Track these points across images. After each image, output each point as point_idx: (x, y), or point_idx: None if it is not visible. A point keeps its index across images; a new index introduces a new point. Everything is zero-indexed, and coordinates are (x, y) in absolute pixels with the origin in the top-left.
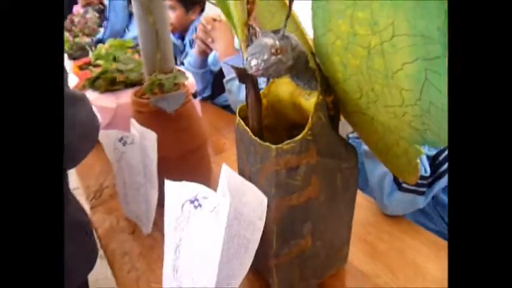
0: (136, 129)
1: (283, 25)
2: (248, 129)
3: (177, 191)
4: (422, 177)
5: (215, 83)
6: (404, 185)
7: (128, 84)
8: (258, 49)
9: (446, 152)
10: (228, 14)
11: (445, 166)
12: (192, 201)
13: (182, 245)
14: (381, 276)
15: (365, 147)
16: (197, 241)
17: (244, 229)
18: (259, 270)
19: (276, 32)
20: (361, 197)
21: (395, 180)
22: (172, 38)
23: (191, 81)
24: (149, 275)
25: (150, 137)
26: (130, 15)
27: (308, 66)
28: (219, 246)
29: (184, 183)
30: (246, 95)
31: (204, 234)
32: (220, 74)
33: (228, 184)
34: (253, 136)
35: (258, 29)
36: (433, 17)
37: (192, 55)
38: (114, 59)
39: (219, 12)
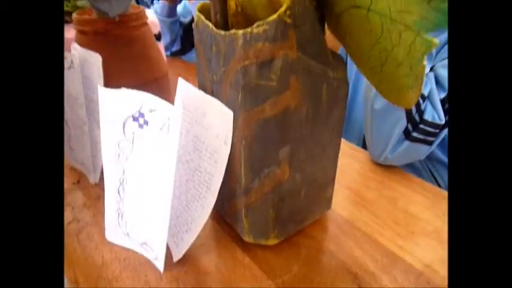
0: (78, 51)
1: None
2: (208, 23)
3: (115, 103)
4: (435, 126)
5: (185, 36)
6: (414, 134)
7: None
8: None
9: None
10: None
11: None
12: (136, 118)
13: (126, 180)
14: (369, 224)
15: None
16: (145, 173)
17: (206, 161)
18: (223, 215)
19: None
20: (343, 144)
21: (406, 129)
22: None
23: (153, 20)
24: (92, 228)
25: (94, 60)
26: None
27: None
28: (171, 175)
29: (124, 90)
30: None
31: (154, 162)
32: (190, 26)
33: (185, 103)
34: (214, 29)
35: None
36: None
37: (159, 2)
38: None
39: None
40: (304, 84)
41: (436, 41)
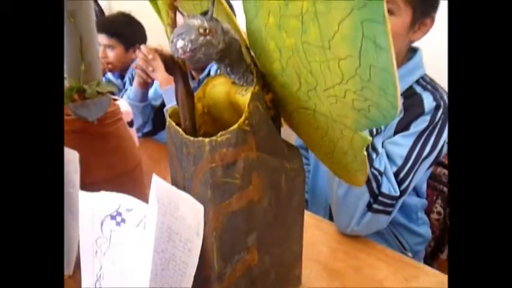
0: None
1: (210, 4)
2: (179, 128)
3: (94, 204)
4: (391, 197)
5: (156, 118)
6: (374, 206)
7: None
8: (185, 29)
9: (406, 169)
10: (153, 3)
11: (406, 183)
12: (113, 217)
13: (103, 275)
14: None
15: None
16: (122, 267)
17: (180, 250)
18: None
19: (204, 13)
20: (307, 216)
21: (368, 202)
22: (112, 77)
23: (127, 110)
24: None
25: (72, 158)
26: None
27: (242, 56)
28: (148, 269)
29: (102, 193)
30: (176, 89)
31: (130, 257)
32: (161, 109)
33: (159, 197)
34: (184, 134)
35: (185, 13)
36: None
37: (131, 88)
38: None
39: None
40: (265, 179)
41: (369, 138)
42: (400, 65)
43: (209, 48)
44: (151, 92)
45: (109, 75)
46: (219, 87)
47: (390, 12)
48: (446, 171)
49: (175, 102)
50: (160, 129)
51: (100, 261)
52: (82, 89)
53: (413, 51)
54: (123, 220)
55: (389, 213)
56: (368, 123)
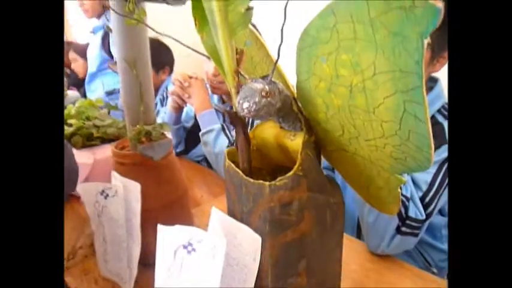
0: (119, 180)
1: (271, 71)
2: (239, 170)
3: (170, 235)
4: (418, 221)
5: (188, 138)
6: (403, 229)
7: (105, 140)
8: (249, 93)
9: (431, 194)
10: (219, 63)
11: (432, 207)
12: (185, 246)
13: None
14: None
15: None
16: None
17: (238, 274)
18: None
19: (264, 77)
20: None
21: (397, 226)
22: None
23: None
24: None
25: (134, 189)
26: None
27: (292, 108)
28: None
29: (177, 227)
30: (236, 137)
31: (199, 280)
32: (192, 130)
33: (220, 226)
34: (244, 176)
35: (247, 76)
36: (412, 53)
37: (166, 112)
38: (87, 118)
39: (191, 71)
40: (314, 214)
41: (404, 179)
42: None
43: (269, 108)
44: (183, 114)
45: None
46: (268, 130)
47: None
48: None
49: (209, 126)
50: (192, 148)
51: (172, 283)
52: (149, 132)
53: (433, 81)
54: (193, 249)
55: (416, 235)
56: (404, 169)
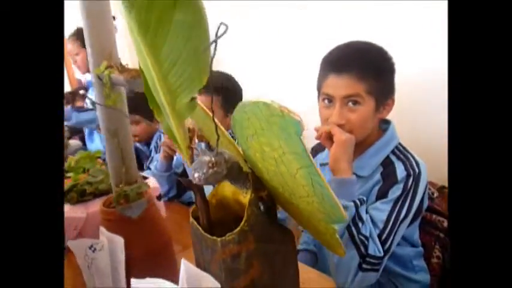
0: (105, 235)
1: (216, 145)
2: (199, 227)
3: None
4: (377, 257)
5: (179, 183)
6: (364, 266)
7: (97, 194)
8: (199, 165)
9: (387, 231)
10: (175, 141)
11: (389, 243)
12: None
13: None
14: None
15: None
16: None
17: None
18: None
19: (212, 150)
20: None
21: (359, 263)
22: (139, 145)
23: (155, 186)
24: None
25: (118, 242)
26: None
27: (241, 171)
28: None
29: (148, 279)
30: (195, 199)
31: None
32: (183, 175)
33: (187, 276)
34: (203, 232)
35: (199, 149)
36: (297, 143)
37: (158, 160)
38: (83, 171)
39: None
40: (263, 261)
41: (336, 228)
42: (375, 139)
43: (216, 176)
44: (174, 160)
45: (137, 144)
46: (227, 188)
47: (357, 102)
48: (440, 218)
49: None
50: (183, 192)
51: None
52: (127, 194)
53: (386, 123)
54: None
55: (377, 270)
56: (331, 220)
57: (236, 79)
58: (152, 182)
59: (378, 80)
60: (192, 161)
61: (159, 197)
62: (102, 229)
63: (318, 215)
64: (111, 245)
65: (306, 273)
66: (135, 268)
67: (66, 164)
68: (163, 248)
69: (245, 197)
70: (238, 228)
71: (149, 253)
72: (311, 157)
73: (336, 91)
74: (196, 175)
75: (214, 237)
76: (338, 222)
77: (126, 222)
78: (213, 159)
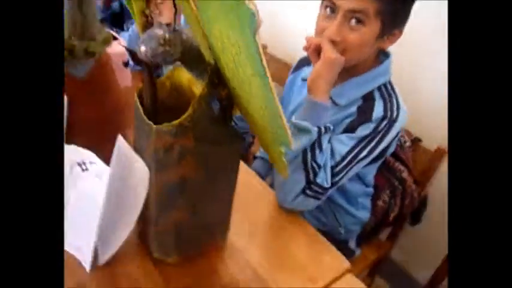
0: None
1: (172, 19)
2: (140, 107)
3: (69, 153)
4: (322, 188)
5: None
6: (307, 192)
7: None
8: (148, 38)
9: (341, 166)
10: (129, 2)
11: (338, 177)
12: (80, 164)
13: (70, 203)
14: (254, 255)
15: None
16: (83, 201)
17: (130, 198)
18: (142, 237)
19: (169, 24)
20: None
21: (303, 187)
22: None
23: (121, 51)
24: None
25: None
26: None
27: (201, 59)
28: (100, 205)
29: (76, 147)
30: (143, 78)
31: (90, 195)
32: None
33: (121, 154)
34: (142, 114)
35: (156, 19)
36: (246, 33)
37: (133, 30)
38: None
39: None
40: (198, 161)
41: (283, 149)
42: (366, 69)
43: (166, 56)
44: None
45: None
46: (184, 73)
47: (361, 21)
48: (402, 167)
49: None
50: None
51: (68, 193)
52: (72, 50)
53: (384, 55)
54: (86, 169)
55: (318, 199)
56: (278, 142)
57: None
58: (119, 44)
59: (394, 2)
60: (144, 30)
61: (126, 64)
62: None
63: (268, 132)
64: None
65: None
66: (81, 131)
67: None
68: (113, 114)
69: (198, 88)
70: (177, 121)
71: (96, 118)
72: (265, 65)
73: (342, 0)
74: (142, 48)
75: (151, 123)
76: (285, 147)
77: (72, 80)
78: (166, 35)
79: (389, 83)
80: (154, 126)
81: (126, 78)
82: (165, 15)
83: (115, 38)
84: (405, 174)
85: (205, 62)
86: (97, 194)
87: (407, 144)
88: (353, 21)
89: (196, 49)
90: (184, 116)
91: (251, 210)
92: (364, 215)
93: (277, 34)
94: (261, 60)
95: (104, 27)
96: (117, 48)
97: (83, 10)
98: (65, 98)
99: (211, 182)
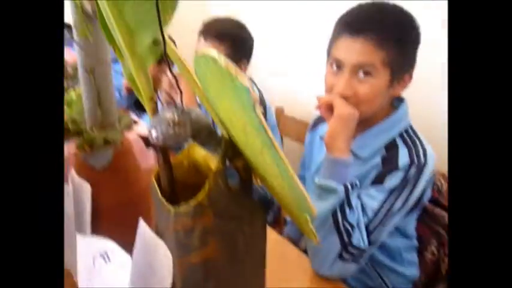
0: (73, 180)
1: (180, 100)
2: (157, 189)
3: (87, 245)
4: (360, 249)
5: None
6: (344, 256)
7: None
8: (157, 122)
9: (376, 222)
10: (137, 89)
11: (375, 235)
12: (102, 256)
13: None
14: None
15: None
16: None
17: (156, 283)
18: None
19: (177, 106)
20: (292, 251)
21: (339, 252)
22: None
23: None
24: None
25: (85, 189)
26: None
27: (213, 135)
28: None
29: (97, 238)
30: (157, 160)
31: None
32: None
33: (142, 239)
34: (160, 196)
35: (164, 103)
36: (247, 108)
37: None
38: None
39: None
40: (221, 240)
41: (308, 217)
42: (383, 117)
43: (178, 138)
44: None
45: None
46: (199, 150)
47: (369, 73)
48: (444, 213)
49: None
50: None
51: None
52: (91, 141)
53: (398, 100)
54: (109, 259)
55: (358, 262)
56: (302, 209)
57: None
58: (141, 128)
59: (399, 50)
60: (154, 115)
61: (147, 144)
62: (73, 173)
63: (289, 200)
64: (78, 191)
65: (284, 249)
66: (103, 219)
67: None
68: (135, 199)
69: (214, 164)
70: (194, 201)
71: (119, 205)
72: (271, 136)
73: (347, 56)
74: (153, 134)
75: (169, 205)
76: (308, 214)
77: (92, 171)
78: (176, 117)
79: (411, 127)
80: (173, 208)
81: (148, 159)
82: (185, 93)
83: (136, 122)
84: None
85: (217, 138)
86: (121, 284)
87: (445, 187)
88: (361, 73)
89: (208, 126)
90: (200, 195)
91: (287, 282)
92: (412, 271)
93: (291, 95)
94: (266, 132)
95: (126, 114)
96: (139, 130)
97: (101, 102)
98: (88, 186)
99: (238, 264)
